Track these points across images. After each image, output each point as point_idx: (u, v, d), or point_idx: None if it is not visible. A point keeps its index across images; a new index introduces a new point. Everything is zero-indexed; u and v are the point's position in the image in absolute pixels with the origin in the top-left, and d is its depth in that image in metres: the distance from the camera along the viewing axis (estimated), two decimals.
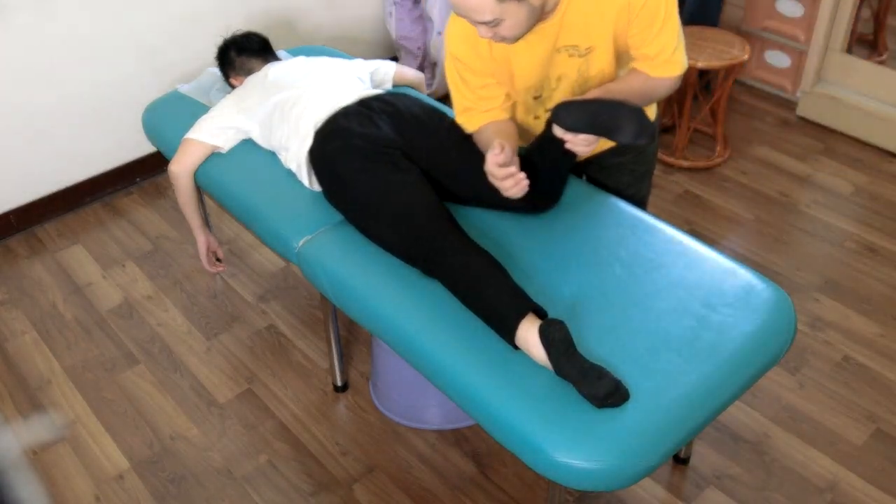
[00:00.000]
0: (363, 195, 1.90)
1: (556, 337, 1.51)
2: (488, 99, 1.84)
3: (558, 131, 1.69)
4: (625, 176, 2.05)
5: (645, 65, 1.76)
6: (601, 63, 1.76)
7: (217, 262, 2.72)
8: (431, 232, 1.76)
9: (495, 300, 1.62)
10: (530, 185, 1.76)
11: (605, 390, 1.48)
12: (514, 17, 1.56)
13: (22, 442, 2.27)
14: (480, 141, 1.87)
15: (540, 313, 1.61)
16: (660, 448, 1.48)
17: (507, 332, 1.59)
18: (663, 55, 1.73)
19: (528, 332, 1.55)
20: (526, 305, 1.59)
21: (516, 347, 1.59)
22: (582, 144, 1.68)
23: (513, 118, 1.91)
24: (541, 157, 1.81)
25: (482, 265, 1.68)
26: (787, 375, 2.35)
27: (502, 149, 1.67)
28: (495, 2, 1.53)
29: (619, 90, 1.73)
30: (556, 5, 1.65)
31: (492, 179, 1.71)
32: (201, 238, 2.57)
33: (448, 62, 1.83)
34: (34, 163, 2.98)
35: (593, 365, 1.50)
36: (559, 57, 1.74)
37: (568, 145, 1.69)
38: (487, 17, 1.55)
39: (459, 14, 1.59)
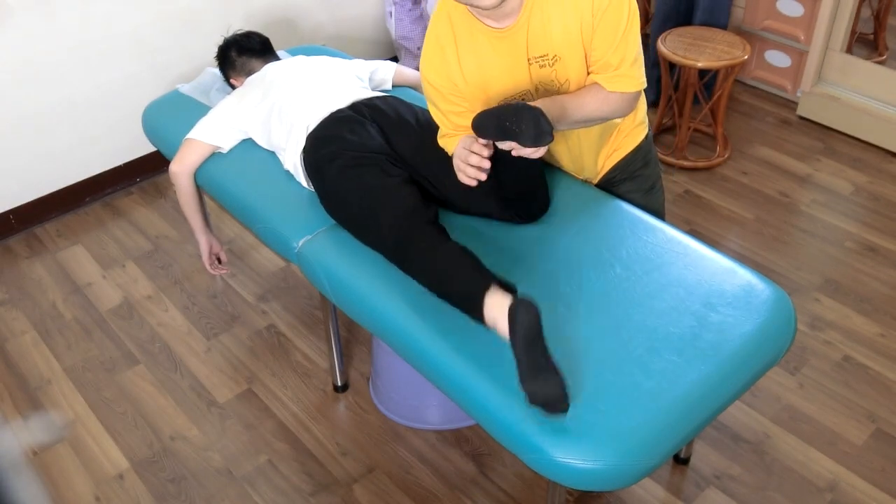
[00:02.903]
0: (348, 202, 1.91)
1: (524, 320, 1.46)
2: (465, 127, 1.83)
3: (482, 141, 1.67)
4: (630, 194, 2.03)
5: (603, 77, 1.70)
6: (569, 72, 1.72)
7: (219, 265, 2.70)
8: (405, 229, 1.77)
9: (460, 279, 1.61)
10: (513, 198, 1.77)
11: (544, 394, 1.43)
12: None
13: (22, 442, 2.27)
14: None
15: (509, 289, 1.58)
16: (660, 448, 1.48)
17: (475, 309, 1.56)
18: (623, 66, 1.67)
19: (497, 309, 1.52)
20: (490, 278, 1.57)
21: (486, 326, 1.56)
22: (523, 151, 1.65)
23: None
24: (506, 174, 1.80)
25: (449, 251, 1.68)
26: (787, 375, 2.35)
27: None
28: None
29: (571, 102, 1.69)
30: (521, 4, 1.63)
31: (457, 157, 1.69)
32: (203, 240, 2.55)
33: (424, 86, 1.84)
34: (34, 163, 2.98)
35: (552, 364, 1.45)
36: (533, 68, 1.72)
37: (514, 153, 1.64)
38: None
39: None
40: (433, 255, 1.71)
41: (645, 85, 1.74)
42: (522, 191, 1.86)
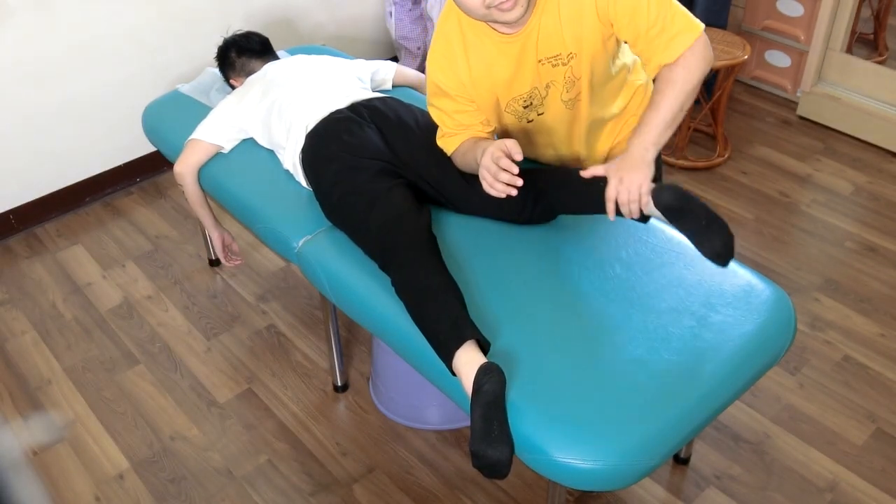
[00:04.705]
0: (342, 205, 1.91)
1: (489, 389, 1.47)
2: (467, 126, 1.82)
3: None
4: None
5: (659, 55, 1.63)
6: (583, 67, 1.71)
7: (233, 256, 2.68)
8: (392, 234, 1.76)
9: (438, 319, 1.59)
10: (539, 205, 1.78)
11: (488, 461, 1.45)
12: None
13: (22, 442, 2.27)
14: (460, 153, 1.83)
15: (483, 344, 1.58)
16: (660, 448, 1.48)
17: (444, 355, 1.57)
18: (667, 25, 1.60)
19: (466, 366, 1.53)
20: (467, 331, 1.56)
21: (451, 372, 1.58)
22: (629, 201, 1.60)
23: (494, 133, 1.88)
24: (573, 196, 1.79)
25: (431, 282, 1.65)
26: (787, 375, 2.35)
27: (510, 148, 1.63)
28: None
29: (655, 112, 1.62)
30: (531, 10, 1.62)
31: (485, 169, 1.64)
32: (216, 234, 2.53)
33: (429, 86, 1.82)
34: (34, 163, 2.98)
35: (505, 434, 1.46)
36: (544, 68, 1.72)
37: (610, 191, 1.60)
38: None
39: None
40: (415, 273, 1.68)
41: (701, 26, 1.64)
42: (553, 214, 1.88)
